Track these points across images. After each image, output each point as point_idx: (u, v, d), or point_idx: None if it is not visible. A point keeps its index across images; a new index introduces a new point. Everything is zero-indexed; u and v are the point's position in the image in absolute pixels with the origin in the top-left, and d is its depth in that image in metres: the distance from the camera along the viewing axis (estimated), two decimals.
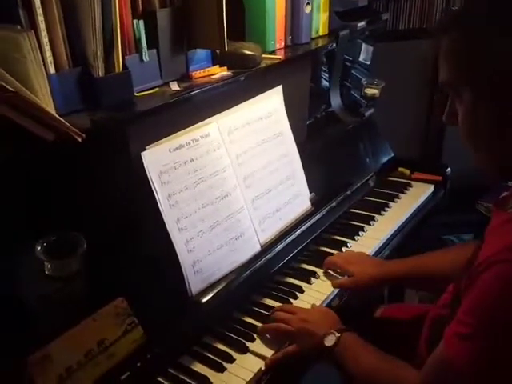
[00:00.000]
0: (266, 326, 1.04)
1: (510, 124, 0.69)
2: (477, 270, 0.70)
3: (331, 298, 1.16)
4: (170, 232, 1.02)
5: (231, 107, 1.20)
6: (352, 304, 1.18)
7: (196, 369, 0.97)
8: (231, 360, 0.98)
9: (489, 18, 0.68)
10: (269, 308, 1.11)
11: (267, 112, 1.28)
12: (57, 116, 0.80)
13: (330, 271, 1.21)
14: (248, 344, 1.02)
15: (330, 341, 0.94)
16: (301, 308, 1.08)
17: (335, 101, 1.62)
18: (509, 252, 0.66)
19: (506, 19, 0.67)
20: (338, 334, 0.94)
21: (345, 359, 0.92)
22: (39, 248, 0.88)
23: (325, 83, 1.67)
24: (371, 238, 1.36)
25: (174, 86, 1.11)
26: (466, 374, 0.69)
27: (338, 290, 1.17)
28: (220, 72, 1.19)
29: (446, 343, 0.73)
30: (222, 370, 0.96)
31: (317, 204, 1.38)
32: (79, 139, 0.81)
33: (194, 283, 1.06)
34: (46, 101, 0.84)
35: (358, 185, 1.56)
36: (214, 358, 0.99)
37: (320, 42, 1.50)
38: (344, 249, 1.32)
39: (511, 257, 0.66)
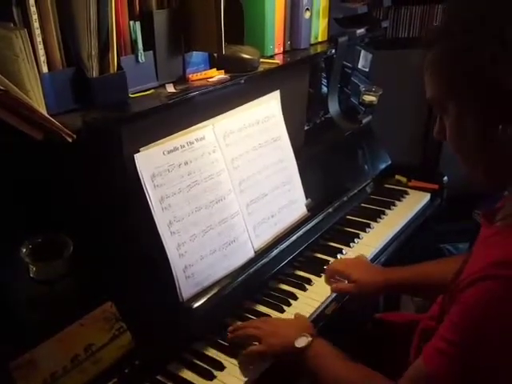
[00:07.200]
0: (234, 332, 1.00)
1: (494, 135, 0.68)
2: (461, 284, 0.69)
3: (325, 305, 1.14)
4: (161, 235, 1.01)
5: (228, 111, 1.18)
6: (347, 311, 1.15)
7: (185, 376, 0.95)
8: (221, 368, 0.96)
9: (467, 31, 0.68)
10: (262, 315, 1.09)
11: (264, 116, 1.27)
12: (47, 115, 0.78)
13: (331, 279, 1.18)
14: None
15: (301, 342, 0.92)
16: (270, 319, 1.06)
17: (333, 107, 1.62)
18: (492, 268, 0.65)
19: (484, 31, 0.66)
20: (310, 338, 0.92)
21: (315, 366, 0.90)
22: (24, 250, 0.86)
23: (323, 89, 1.66)
24: (367, 246, 1.35)
25: (170, 88, 1.10)
26: None
27: (331, 297, 1.15)
28: (217, 75, 1.18)
29: (424, 357, 0.72)
30: (211, 377, 0.94)
31: (313, 210, 1.37)
32: (70, 139, 0.79)
33: (186, 288, 1.04)
34: (37, 100, 0.82)
35: (355, 191, 1.55)
36: (204, 365, 0.97)
37: (319, 48, 1.49)
38: (339, 256, 1.30)
39: (495, 273, 0.64)
